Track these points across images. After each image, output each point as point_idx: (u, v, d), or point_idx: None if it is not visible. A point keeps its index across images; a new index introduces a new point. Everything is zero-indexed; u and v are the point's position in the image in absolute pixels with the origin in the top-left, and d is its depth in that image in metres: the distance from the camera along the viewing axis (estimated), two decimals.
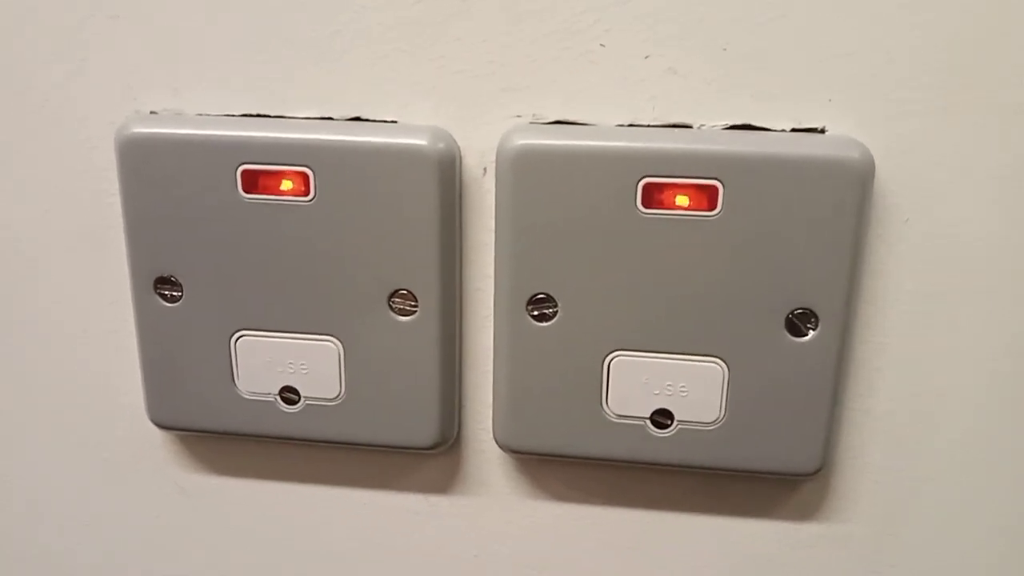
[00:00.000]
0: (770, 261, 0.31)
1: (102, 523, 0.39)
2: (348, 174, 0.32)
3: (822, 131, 0.31)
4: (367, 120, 0.32)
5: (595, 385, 0.33)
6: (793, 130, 0.31)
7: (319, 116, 0.32)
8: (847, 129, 0.30)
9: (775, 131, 0.31)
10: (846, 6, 0.29)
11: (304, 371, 0.34)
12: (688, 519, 0.35)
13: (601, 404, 0.33)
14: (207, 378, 0.35)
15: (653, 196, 0.30)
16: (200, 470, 0.38)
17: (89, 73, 0.33)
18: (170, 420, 0.36)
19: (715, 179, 0.30)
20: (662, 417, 0.33)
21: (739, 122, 0.31)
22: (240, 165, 0.32)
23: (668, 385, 0.33)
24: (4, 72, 0.33)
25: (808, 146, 0.30)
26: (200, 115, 0.33)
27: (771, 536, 0.35)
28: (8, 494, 0.40)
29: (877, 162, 0.30)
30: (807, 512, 0.35)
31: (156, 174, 0.32)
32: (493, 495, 0.36)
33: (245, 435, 0.35)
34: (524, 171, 0.31)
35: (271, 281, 0.33)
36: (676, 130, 0.31)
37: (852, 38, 0.29)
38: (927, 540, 0.35)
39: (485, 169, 0.32)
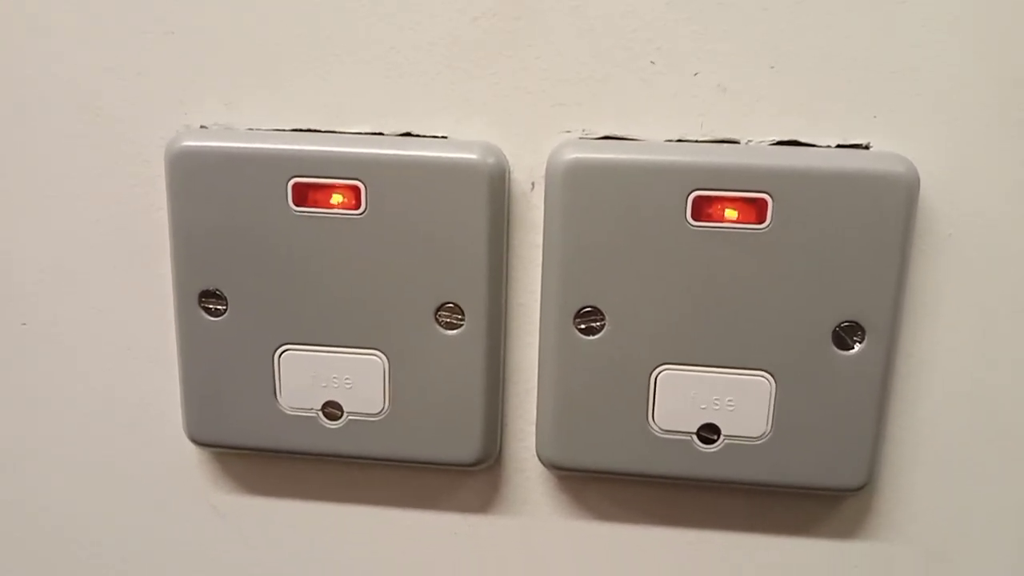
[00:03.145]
0: (818, 274, 0.31)
1: (134, 544, 0.39)
2: (399, 188, 0.32)
3: (867, 147, 0.31)
4: (418, 135, 0.33)
5: (642, 399, 0.33)
6: (839, 146, 0.31)
7: (370, 131, 0.33)
8: (891, 146, 0.31)
9: (821, 147, 0.31)
10: (891, 26, 0.30)
11: (348, 386, 0.34)
12: (731, 537, 0.35)
13: (647, 419, 0.33)
14: (248, 394, 0.35)
15: (703, 209, 0.31)
16: (236, 490, 0.37)
17: (142, 87, 0.33)
18: (208, 437, 0.35)
19: (765, 192, 0.30)
20: (709, 432, 0.33)
21: (786, 138, 0.31)
22: (291, 179, 0.32)
23: (715, 399, 0.33)
24: (58, 85, 0.33)
25: (855, 161, 0.30)
26: (251, 129, 0.33)
27: (815, 556, 0.35)
28: (40, 511, 0.39)
29: (920, 177, 0.31)
30: (851, 531, 0.35)
31: (205, 187, 0.33)
32: (534, 514, 0.36)
33: (285, 452, 0.35)
34: (574, 184, 0.31)
35: (318, 295, 0.33)
36: (725, 145, 0.31)
37: (897, 57, 0.30)
38: (974, 561, 0.35)
39: (533, 184, 0.33)
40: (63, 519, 0.39)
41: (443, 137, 0.33)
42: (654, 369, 0.33)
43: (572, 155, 0.31)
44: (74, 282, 0.36)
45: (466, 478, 0.36)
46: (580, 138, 0.32)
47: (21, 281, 0.36)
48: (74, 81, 0.33)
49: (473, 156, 0.31)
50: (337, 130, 0.33)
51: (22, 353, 0.37)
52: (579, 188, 0.31)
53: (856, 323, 0.31)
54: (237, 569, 0.38)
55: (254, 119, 0.33)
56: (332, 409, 0.34)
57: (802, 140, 0.31)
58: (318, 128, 0.33)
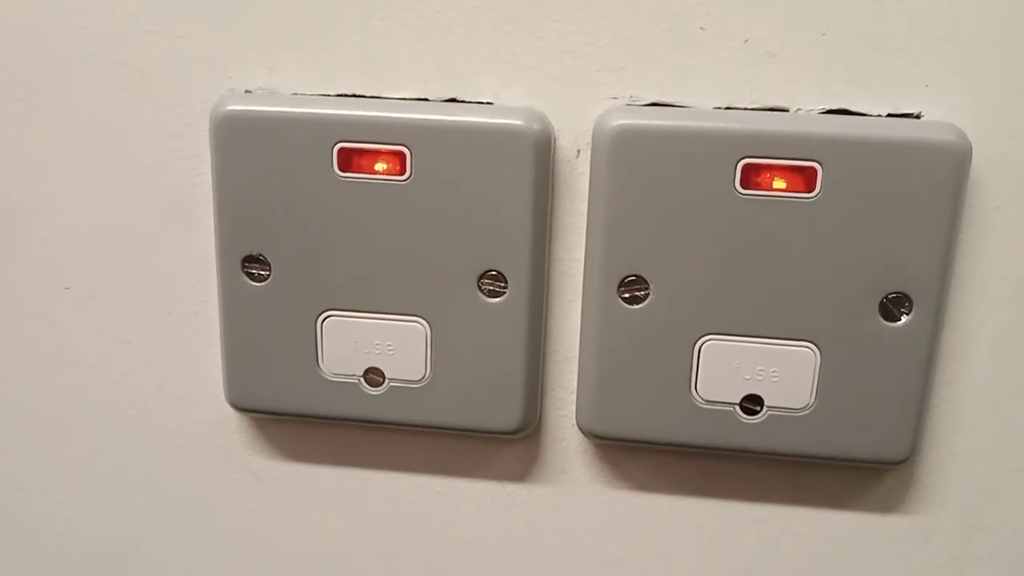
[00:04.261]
0: (866, 244, 0.31)
1: (172, 508, 0.39)
2: (445, 154, 0.32)
3: (918, 116, 0.31)
4: (463, 101, 0.33)
5: (684, 369, 0.33)
6: (889, 115, 0.31)
7: (415, 97, 0.33)
8: (943, 115, 0.31)
9: (871, 116, 0.31)
10: None
11: (390, 352, 0.34)
12: (773, 509, 0.35)
13: (690, 389, 0.33)
14: (290, 359, 0.35)
15: (751, 177, 0.31)
16: (274, 456, 0.37)
17: (186, 51, 0.33)
18: (249, 402, 0.36)
19: (814, 161, 0.30)
20: (751, 403, 0.33)
21: (836, 107, 0.31)
22: (336, 143, 0.32)
23: (759, 370, 0.33)
24: (104, 49, 0.33)
25: (906, 130, 0.30)
26: (296, 94, 0.33)
27: (855, 528, 0.35)
28: (79, 472, 0.39)
29: (971, 148, 0.30)
30: (892, 504, 0.35)
31: (250, 152, 0.33)
32: (573, 484, 0.36)
33: (325, 418, 0.35)
34: (621, 151, 0.31)
35: (361, 261, 0.33)
36: (774, 113, 0.31)
37: (950, 25, 0.30)
38: (1019, 535, 0.34)
39: (579, 151, 0.33)
40: (102, 481, 0.39)
41: (488, 103, 0.32)
42: (698, 339, 0.32)
43: (618, 121, 0.31)
44: (117, 247, 0.36)
45: (505, 446, 0.36)
46: (627, 104, 0.32)
47: (64, 246, 0.36)
48: (117, 45, 0.33)
49: (519, 122, 0.31)
50: (382, 95, 0.33)
51: (65, 317, 0.37)
52: (625, 155, 0.31)
53: (904, 294, 0.31)
54: (275, 534, 0.39)
55: (298, 84, 0.33)
56: (374, 375, 0.34)
57: (852, 109, 0.31)
58: (363, 93, 0.33)
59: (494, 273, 0.33)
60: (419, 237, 0.33)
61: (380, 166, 0.32)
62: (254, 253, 0.34)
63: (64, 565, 0.41)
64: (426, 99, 0.33)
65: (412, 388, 0.34)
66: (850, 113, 0.31)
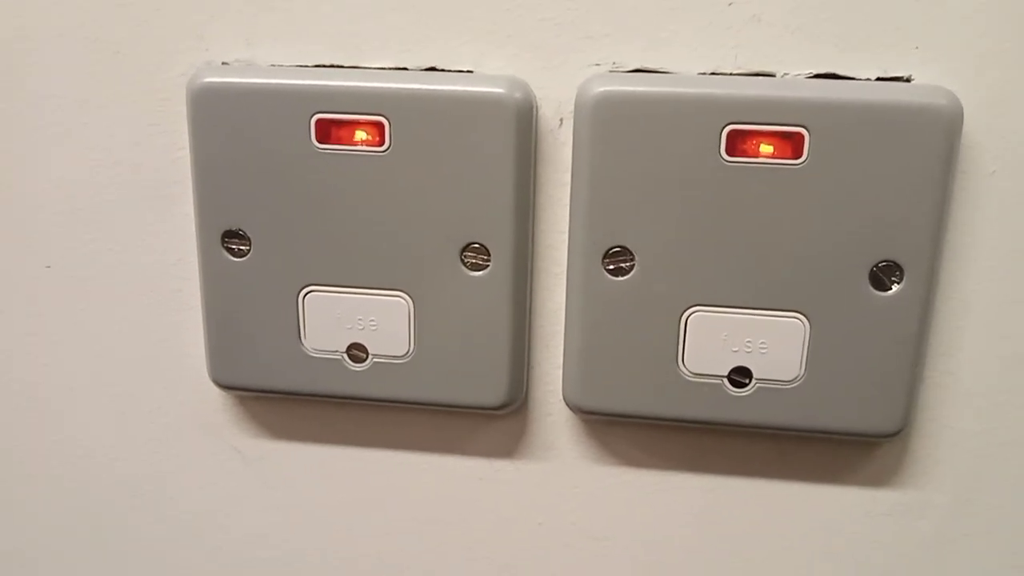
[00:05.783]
0: (855, 211, 0.30)
1: (158, 488, 0.39)
2: (424, 124, 0.31)
3: (908, 80, 0.30)
4: (443, 70, 0.32)
5: (671, 342, 0.32)
6: (878, 79, 0.30)
7: (394, 66, 0.32)
8: (934, 78, 0.30)
9: (860, 79, 0.30)
10: None
11: (373, 327, 0.34)
12: (762, 484, 0.35)
13: (677, 362, 0.32)
14: (272, 336, 0.34)
15: (737, 144, 0.30)
16: (260, 434, 0.37)
17: (161, 24, 0.33)
18: (232, 380, 0.35)
19: (801, 126, 0.29)
20: (740, 376, 0.32)
21: (823, 71, 0.30)
22: (314, 115, 0.31)
23: (747, 342, 0.32)
24: (78, 22, 0.33)
25: (895, 94, 0.29)
26: (273, 66, 0.33)
27: (847, 503, 0.34)
28: (63, 453, 0.39)
29: (963, 111, 0.29)
30: (884, 478, 0.34)
31: (227, 124, 0.32)
32: (560, 460, 0.36)
33: (309, 395, 0.35)
34: (604, 119, 0.30)
35: (342, 234, 0.33)
36: (760, 78, 0.30)
37: None
38: (1012, 509, 0.34)
39: (561, 120, 0.32)
40: (86, 462, 0.39)
41: (468, 71, 0.32)
42: (685, 311, 0.32)
43: (601, 88, 0.30)
44: (97, 224, 0.35)
45: (491, 422, 0.36)
46: (610, 71, 0.31)
47: (45, 224, 0.36)
48: (91, 20, 0.33)
49: (499, 90, 0.31)
50: (361, 65, 0.32)
51: (47, 296, 0.37)
52: (608, 123, 0.30)
53: (894, 263, 0.30)
54: (260, 513, 0.38)
55: (276, 55, 0.33)
56: (357, 351, 0.34)
57: (840, 73, 0.30)
58: (341, 64, 0.32)
59: (477, 246, 0.32)
60: (399, 209, 0.32)
61: (359, 137, 0.32)
62: (233, 228, 0.33)
63: (48, 544, 0.41)
64: (405, 68, 0.32)
65: (396, 364, 0.34)
66: (838, 77, 0.30)
